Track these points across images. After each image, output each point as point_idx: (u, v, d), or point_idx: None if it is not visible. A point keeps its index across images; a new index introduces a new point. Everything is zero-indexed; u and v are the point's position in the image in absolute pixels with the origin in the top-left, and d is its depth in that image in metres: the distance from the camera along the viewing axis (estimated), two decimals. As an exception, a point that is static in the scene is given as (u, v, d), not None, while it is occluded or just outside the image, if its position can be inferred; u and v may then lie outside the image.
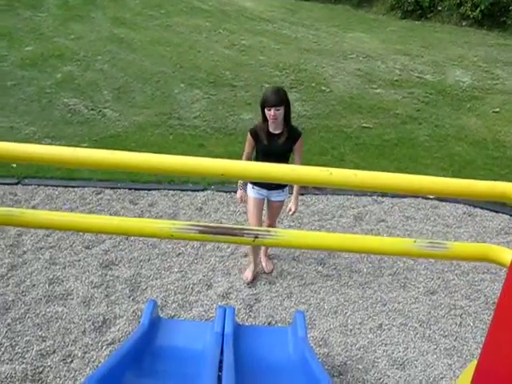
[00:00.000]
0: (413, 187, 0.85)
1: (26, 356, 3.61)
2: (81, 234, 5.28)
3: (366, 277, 4.92)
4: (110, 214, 5.72)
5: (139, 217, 5.71)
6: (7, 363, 3.53)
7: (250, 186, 4.58)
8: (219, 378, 2.61)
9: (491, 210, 6.46)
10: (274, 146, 4.31)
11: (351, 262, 5.14)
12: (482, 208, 6.50)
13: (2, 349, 3.66)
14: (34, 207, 5.74)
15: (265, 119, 4.25)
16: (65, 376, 3.47)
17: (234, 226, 0.89)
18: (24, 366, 3.50)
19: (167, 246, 5.19)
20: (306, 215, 5.95)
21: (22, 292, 4.31)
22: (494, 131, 8.86)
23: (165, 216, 5.76)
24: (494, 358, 0.95)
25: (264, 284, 4.68)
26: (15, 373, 3.42)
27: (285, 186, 4.55)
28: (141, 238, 5.28)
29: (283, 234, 0.94)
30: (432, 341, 4.11)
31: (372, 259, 5.21)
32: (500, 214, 6.35)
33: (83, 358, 3.64)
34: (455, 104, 9.95)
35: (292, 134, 4.34)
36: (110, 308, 4.19)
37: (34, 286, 4.40)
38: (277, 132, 4.30)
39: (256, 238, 0.87)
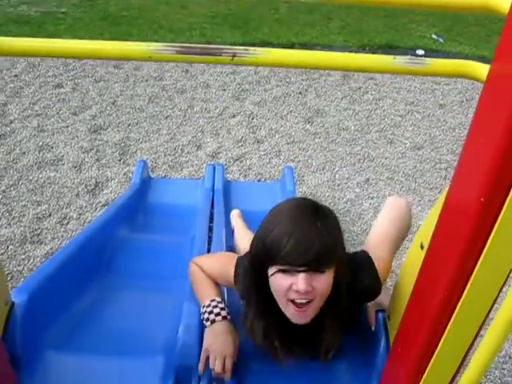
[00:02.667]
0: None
1: (23, 220, 3.67)
2: (67, 100, 5.23)
3: (353, 134, 4.94)
4: (95, 80, 5.64)
5: (124, 81, 5.63)
6: (5, 227, 3.60)
7: None
8: (210, 229, 2.70)
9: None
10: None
11: (339, 119, 5.15)
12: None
13: (-1, 214, 3.73)
14: (16, 76, 5.64)
15: (264, 297, 1.54)
16: (62, 236, 3.55)
17: (212, 46, 0.87)
18: (22, 229, 3.57)
19: (155, 109, 5.16)
20: (294, 74, 5.87)
21: (13, 160, 4.32)
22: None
23: (150, 79, 5.68)
24: (464, 184, 0.98)
25: (253, 143, 4.70)
26: (14, 236, 3.50)
27: None
28: (127, 103, 5.24)
29: (264, 52, 0.92)
30: (417, 193, 4.21)
31: (360, 117, 5.22)
32: (489, 70, 6.29)
33: (79, 219, 3.72)
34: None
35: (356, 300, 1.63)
36: (101, 171, 4.23)
37: (24, 153, 4.41)
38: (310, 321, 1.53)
39: (234, 56, 0.86)
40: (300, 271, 1.35)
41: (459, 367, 1.19)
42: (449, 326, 1.07)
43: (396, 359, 1.31)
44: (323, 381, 1.71)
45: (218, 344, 1.55)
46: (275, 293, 1.47)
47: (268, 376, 1.72)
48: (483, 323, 1.07)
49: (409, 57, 0.91)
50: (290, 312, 1.46)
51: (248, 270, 1.56)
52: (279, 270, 1.39)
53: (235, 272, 1.64)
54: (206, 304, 1.61)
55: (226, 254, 1.86)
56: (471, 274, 0.99)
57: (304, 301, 1.41)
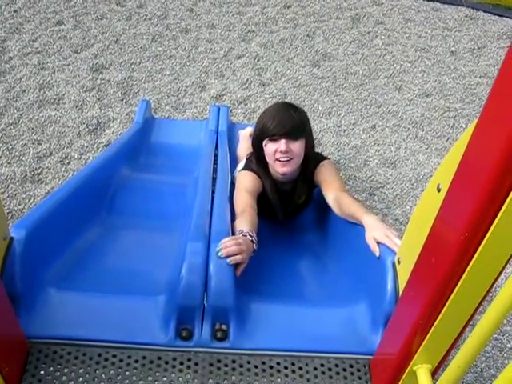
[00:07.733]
0: None
1: (24, 159, 3.61)
2: (68, 38, 5.09)
3: (361, 79, 4.83)
4: (97, 17, 5.48)
5: (127, 19, 5.48)
6: (6, 166, 3.54)
7: None
8: (214, 170, 2.65)
9: (494, 14, 6.19)
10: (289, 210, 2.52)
11: (347, 64, 5.03)
12: (485, 11, 6.23)
13: (-1, 153, 3.67)
14: (15, 12, 5.51)
15: (262, 162, 2.35)
16: (63, 176, 3.50)
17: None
18: (22, 168, 3.52)
19: (158, 48, 5.04)
20: (302, 16, 5.72)
21: (13, 98, 4.23)
22: None
23: (154, 18, 5.52)
24: (492, 123, 0.92)
25: (258, 86, 4.60)
26: (14, 174, 3.45)
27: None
28: (130, 42, 5.12)
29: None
30: (424, 141, 4.13)
31: (368, 62, 5.09)
32: (503, 18, 6.10)
33: (80, 159, 3.66)
34: None
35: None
36: (103, 111, 4.14)
37: (24, 91, 4.31)
38: (288, 186, 2.44)
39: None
40: (281, 138, 2.15)
41: (472, 315, 1.16)
42: (467, 270, 1.02)
43: (408, 303, 1.27)
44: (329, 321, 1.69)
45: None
46: (268, 157, 2.25)
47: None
48: (503, 268, 1.02)
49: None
50: (277, 166, 2.23)
51: (253, 152, 2.37)
52: (269, 140, 2.19)
53: (249, 160, 2.42)
54: (245, 230, 1.85)
55: (240, 180, 2.33)
56: (494, 216, 0.94)
57: (286, 159, 2.18)
